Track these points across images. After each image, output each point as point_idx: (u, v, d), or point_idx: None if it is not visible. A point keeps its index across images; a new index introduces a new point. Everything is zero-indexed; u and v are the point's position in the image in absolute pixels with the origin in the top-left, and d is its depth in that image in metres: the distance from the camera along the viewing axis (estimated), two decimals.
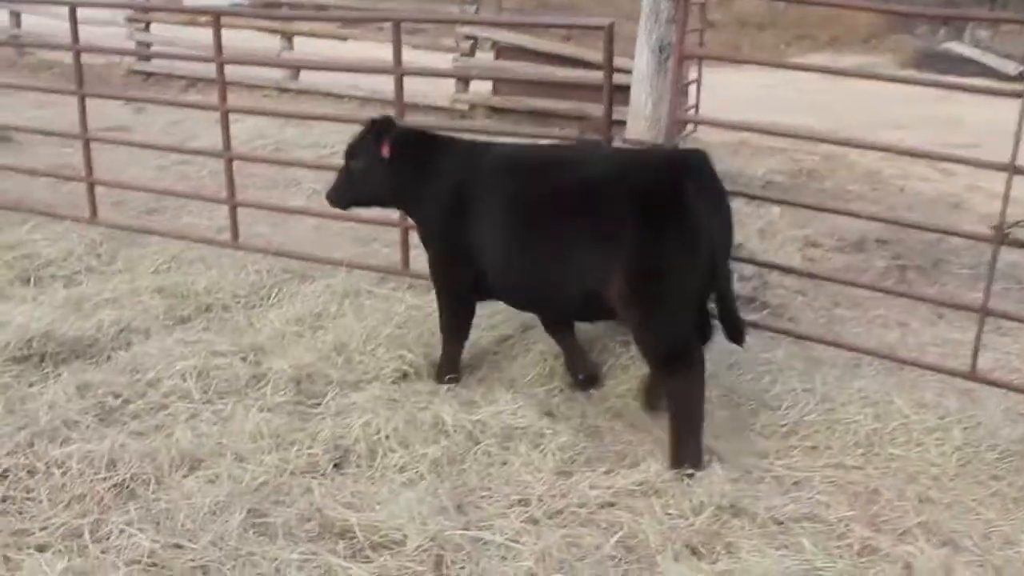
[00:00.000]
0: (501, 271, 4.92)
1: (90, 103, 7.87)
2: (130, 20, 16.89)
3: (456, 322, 5.33)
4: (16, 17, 18.75)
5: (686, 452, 4.51)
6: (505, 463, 4.51)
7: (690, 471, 4.44)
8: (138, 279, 6.65)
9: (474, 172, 5.02)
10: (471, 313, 5.34)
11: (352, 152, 5.39)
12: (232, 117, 7.32)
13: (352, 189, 5.44)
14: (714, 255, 4.51)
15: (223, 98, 7.15)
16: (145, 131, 12.13)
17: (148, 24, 17.15)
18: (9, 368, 5.23)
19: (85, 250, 7.20)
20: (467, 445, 4.60)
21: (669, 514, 4.16)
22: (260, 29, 16.36)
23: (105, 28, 16.92)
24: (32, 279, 6.78)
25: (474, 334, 5.87)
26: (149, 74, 16.57)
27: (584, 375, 5.36)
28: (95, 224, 7.66)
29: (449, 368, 5.35)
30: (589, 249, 4.56)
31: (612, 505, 4.22)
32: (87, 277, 6.82)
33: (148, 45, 16.96)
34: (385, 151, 5.24)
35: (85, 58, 18.10)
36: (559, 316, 5.33)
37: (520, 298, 5.11)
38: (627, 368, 5.48)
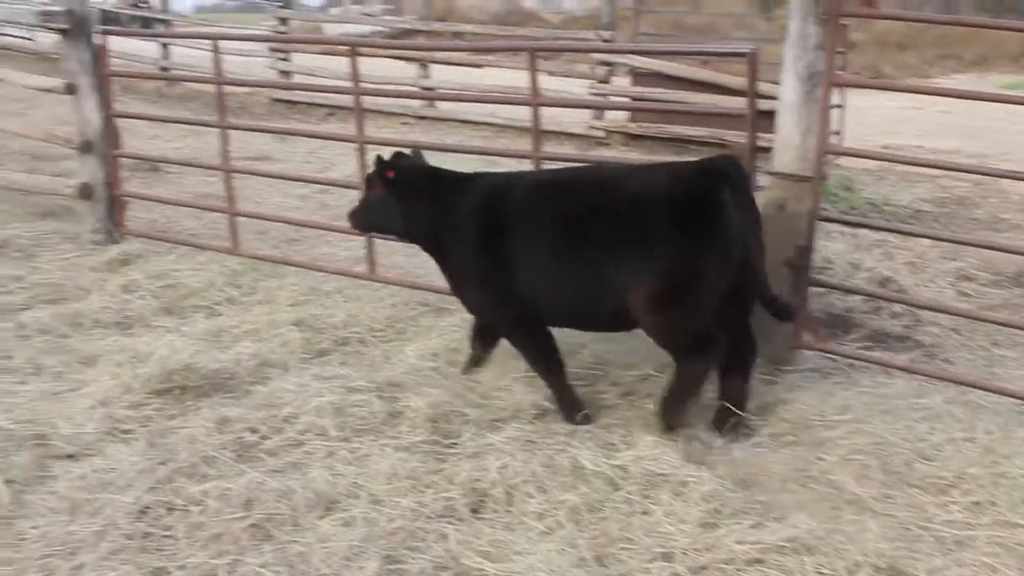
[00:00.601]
0: (539, 291, 5.01)
1: (235, 131, 8.01)
2: (272, 50, 17.29)
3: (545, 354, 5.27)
4: (165, 48, 19.40)
5: (672, 415, 4.92)
6: (646, 512, 4.32)
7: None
8: (277, 311, 6.69)
9: (503, 202, 5.10)
10: (550, 337, 5.25)
11: (368, 183, 5.60)
12: (370, 145, 7.33)
13: (366, 216, 5.64)
14: (747, 259, 4.76)
15: (360, 129, 7.16)
16: (287, 159, 12.34)
17: (289, 54, 17.54)
18: (151, 401, 5.28)
19: (226, 280, 7.29)
20: (607, 492, 4.43)
21: (822, 574, 3.91)
22: (398, 57, 16.57)
23: (249, 58, 17.41)
24: (175, 309, 6.89)
25: (612, 372, 5.71)
26: (291, 103, 16.92)
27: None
28: (236, 254, 7.75)
29: (570, 403, 5.20)
30: (628, 259, 4.72)
31: (760, 562, 3.99)
32: (227, 308, 6.89)
33: (289, 74, 17.34)
34: (379, 189, 5.45)
35: (227, 89, 18.70)
36: (593, 328, 5.37)
37: (560, 316, 5.16)
38: (773, 410, 5.24)
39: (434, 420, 5.09)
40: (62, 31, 8.13)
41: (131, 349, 6.02)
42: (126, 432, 5.03)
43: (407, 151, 5.63)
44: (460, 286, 5.36)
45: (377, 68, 14.46)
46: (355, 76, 7.03)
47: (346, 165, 11.93)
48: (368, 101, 15.82)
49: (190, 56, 19.75)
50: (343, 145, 12.18)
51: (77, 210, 8.96)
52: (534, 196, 5.07)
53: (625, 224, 4.75)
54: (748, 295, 4.94)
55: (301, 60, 17.72)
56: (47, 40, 22.04)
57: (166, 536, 4.18)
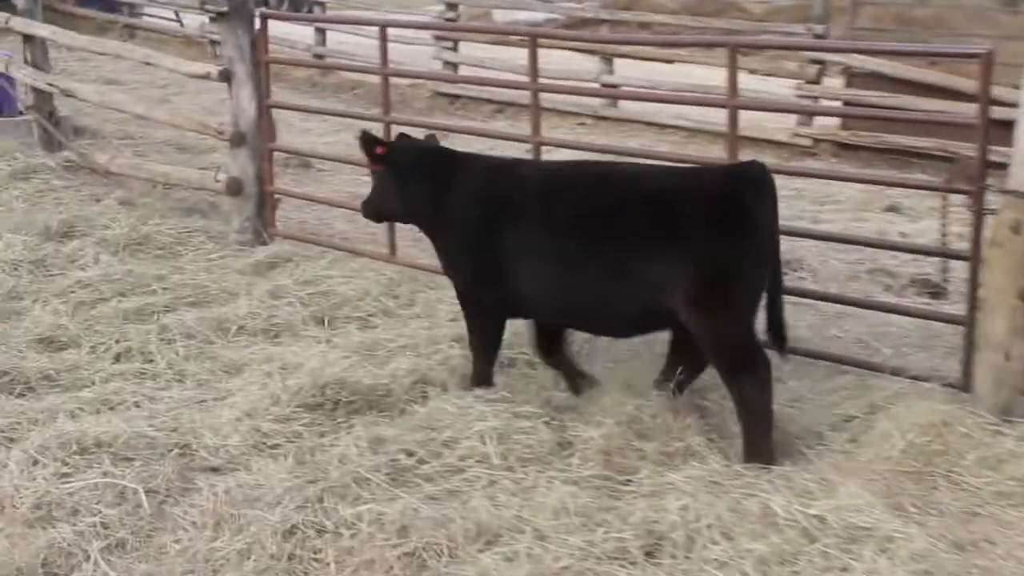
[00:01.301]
0: (543, 288, 5.60)
1: (373, 127, 8.37)
2: (438, 39, 17.79)
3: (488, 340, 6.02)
4: (322, 34, 20.16)
5: (756, 453, 5.25)
6: (845, 569, 4.36)
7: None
8: (436, 326, 6.95)
9: (512, 187, 5.73)
10: (502, 329, 6.03)
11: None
12: (546, 147, 7.57)
13: (375, 202, 6.32)
14: (775, 262, 5.43)
15: (536, 129, 7.40)
16: None
17: (456, 43, 18.01)
18: (301, 415, 5.59)
19: (382, 290, 7.61)
20: (800, 544, 4.49)
21: None
22: (577, 49, 16.84)
23: (410, 46, 17.95)
24: (326, 319, 7.24)
25: (811, 411, 5.76)
26: (455, 97, 17.38)
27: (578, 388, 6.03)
28: (393, 262, 8.08)
29: (484, 383, 5.94)
30: (654, 260, 5.28)
31: None
32: (383, 320, 7.20)
33: (455, 66, 17.81)
34: (372, 166, 6.15)
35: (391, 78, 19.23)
36: (606, 330, 5.91)
37: (562, 314, 5.77)
38: (999, 465, 5.20)
39: (607, 453, 5.24)
40: (219, 14, 8.65)
41: (279, 359, 6.37)
42: (273, 447, 5.35)
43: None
44: (448, 262, 6.10)
45: (552, 60, 14.73)
46: (533, 70, 7.27)
47: None
48: (543, 98, 16.16)
49: (344, 42, 20.54)
50: (513, 145, 12.50)
51: (223, 207, 9.50)
52: (550, 189, 5.65)
53: (659, 228, 5.31)
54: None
55: (467, 50, 18.17)
56: (195, 23, 23.29)
57: (314, 559, 4.45)
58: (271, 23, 8.79)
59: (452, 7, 18.15)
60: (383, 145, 6.19)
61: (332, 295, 7.59)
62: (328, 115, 12.28)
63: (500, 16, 30.10)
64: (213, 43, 21.50)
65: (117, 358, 6.61)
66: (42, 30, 10.89)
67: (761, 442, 5.28)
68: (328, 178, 11.74)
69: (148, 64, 9.84)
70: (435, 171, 6.00)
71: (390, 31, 8.19)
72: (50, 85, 10.84)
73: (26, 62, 11.17)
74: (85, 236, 8.82)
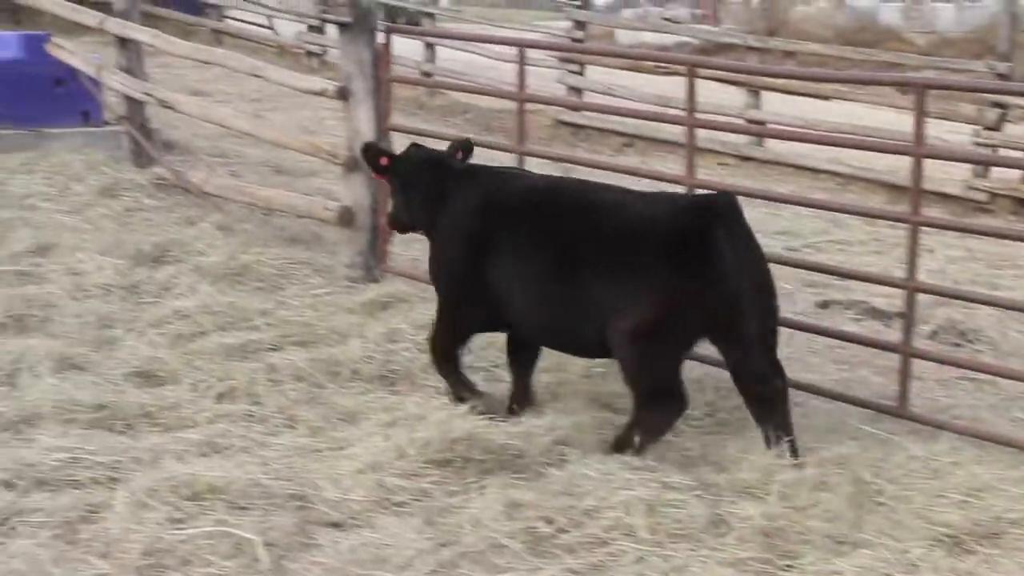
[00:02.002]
0: (516, 304, 6.45)
1: (506, 159, 8.63)
2: (563, 60, 18.12)
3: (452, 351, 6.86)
4: (431, 50, 20.63)
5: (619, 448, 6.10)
6: None
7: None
8: (567, 382, 7.15)
9: (496, 202, 6.60)
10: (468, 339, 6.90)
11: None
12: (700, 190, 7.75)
13: (394, 214, 7.25)
14: (743, 297, 5.95)
15: (691, 167, 7.59)
16: None
17: (583, 66, 18.34)
18: (429, 472, 5.81)
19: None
20: None
21: None
22: (718, 79, 17.03)
23: (530, 67, 18.28)
24: None
25: (996, 502, 5.83)
26: (578, 127, 17.68)
27: (519, 407, 6.74)
28: None
29: (459, 389, 6.79)
30: (613, 286, 6.06)
31: None
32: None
33: (579, 91, 18.13)
34: (375, 177, 7.24)
35: (496, 103, 19.68)
36: (578, 352, 6.74)
37: (535, 332, 6.61)
38: None
39: (767, 534, 5.37)
40: (340, 25, 8.99)
41: (399, 409, 6.61)
42: (399, 504, 5.57)
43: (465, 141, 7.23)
44: (435, 269, 6.93)
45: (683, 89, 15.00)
46: (691, 102, 7.47)
47: None
48: (674, 133, 16.49)
49: (452, 59, 21.01)
50: (666, 187, 12.74)
51: (329, 238, 9.82)
52: (528, 203, 6.52)
53: (616, 250, 6.11)
54: (744, 327, 6.04)
55: (597, 76, 18.49)
56: (288, 30, 23.96)
57: None
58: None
59: (580, 25, 18.47)
60: (388, 156, 7.09)
61: None
62: (433, 137, 12.53)
63: (623, 37, 30.49)
64: (310, 54, 22.14)
65: (220, 397, 6.88)
66: (140, 33, 11.33)
67: (621, 443, 6.14)
68: None
69: (256, 76, 10.19)
70: (432, 183, 6.89)
71: (500, 50, 8.46)
72: (146, 94, 11.27)
73: (119, 68, 11.65)
74: (179, 262, 9.18)
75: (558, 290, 6.28)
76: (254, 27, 25.52)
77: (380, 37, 9.01)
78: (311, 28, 23.06)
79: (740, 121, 15.85)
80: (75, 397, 6.60)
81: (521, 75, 8.31)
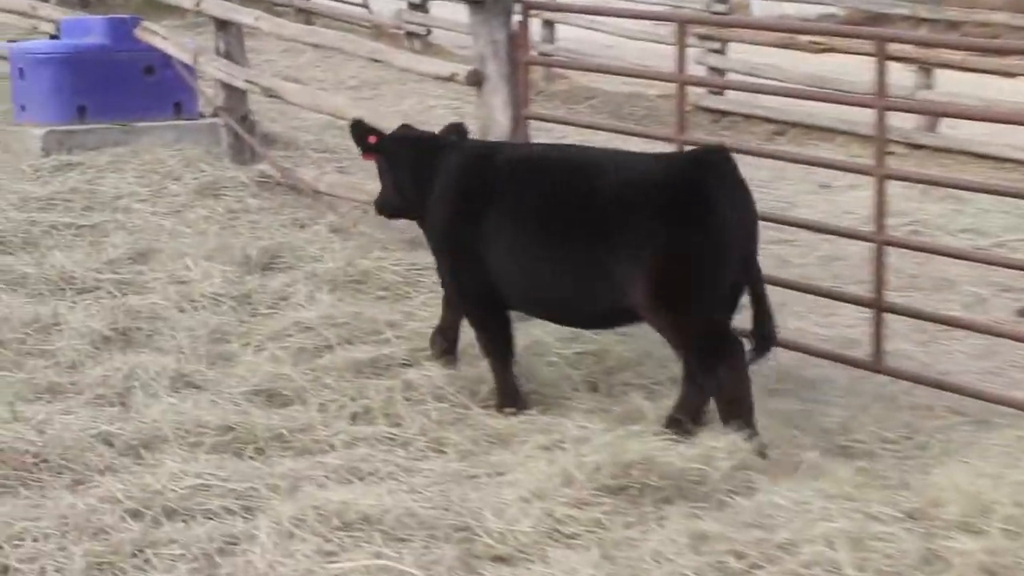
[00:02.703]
0: (515, 277, 7.09)
1: (637, 146, 8.70)
2: (702, 38, 18.13)
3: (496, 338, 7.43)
4: (550, 28, 20.74)
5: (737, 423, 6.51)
6: None
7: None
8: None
9: (486, 175, 7.23)
10: (508, 323, 7.44)
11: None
12: (845, 181, 7.78)
13: (382, 197, 7.88)
14: (743, 252, 6.66)
15: (880, 159, 7.61)
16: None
17: (725, 44, 18.35)
18: (601, 500, 5.88)
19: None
20: None
21: None
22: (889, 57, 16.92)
23: (654, 46, 18.36)
24: (602, 386, 7.54)
25: None
26: (721, 112, 17.70)
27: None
28: None
29: (510, 396, 7.25)
30: (611, 252, 6.65)
31: None
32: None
33: (721, 72, 18.15)
34: (364, 157, 7.76)
35: (624, 84, 19.70)
36: (578, 323, 7.47)
37: (536, 306, 7.34)
38: None
39: (991, 571, 5.37)
40: (472, 3, 9.09)
41: (557, 430, 6.71)
42: (571, 536, 5.64)
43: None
44: (436, 255, 7.59)
45: (833, 66, 14.94)
46: (881, 85, 7.47)
47: (807, 206, 12.43)
48: (825, 117, 16.41)
49: (581, 41, 21.10)
50: (802, 175, 12.76)
51: None
52: (521, 173, 7.18)
53: (612, 218, 6.65)
54: (735, 295, 6.79)
55: (742, 54, 18.54)
56: (386, 9, 24.22)
57: None
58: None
59: None
60: (377, 134, 7.69)
61: (606, 356, 7.89)
62: (601, 130, 12.69)
63: (758, 10, 30.37)
64: (410, 35, 22.37)
65: (355, 418, 7.04)
66: (243, 15, 11.54)
67: (745, 422, 6.54)
68: None
69: (376, 60, 10.34)
70: (422, 160, 7.53)
71: (627, 25, 8.52)
72: (248, 82, 11.47)
73: (218, 53, 11.87)
74: (292, 269, 9.38)
75: (560, 260, 6.91)
76: (346, 6, 25.78)
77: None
78: (412, 6, 23.27)
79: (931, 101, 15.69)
80: (198, 418, 6.79)
81: (680, 55, 8.37)
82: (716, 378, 6.61)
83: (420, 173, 7.51)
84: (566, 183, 7.00)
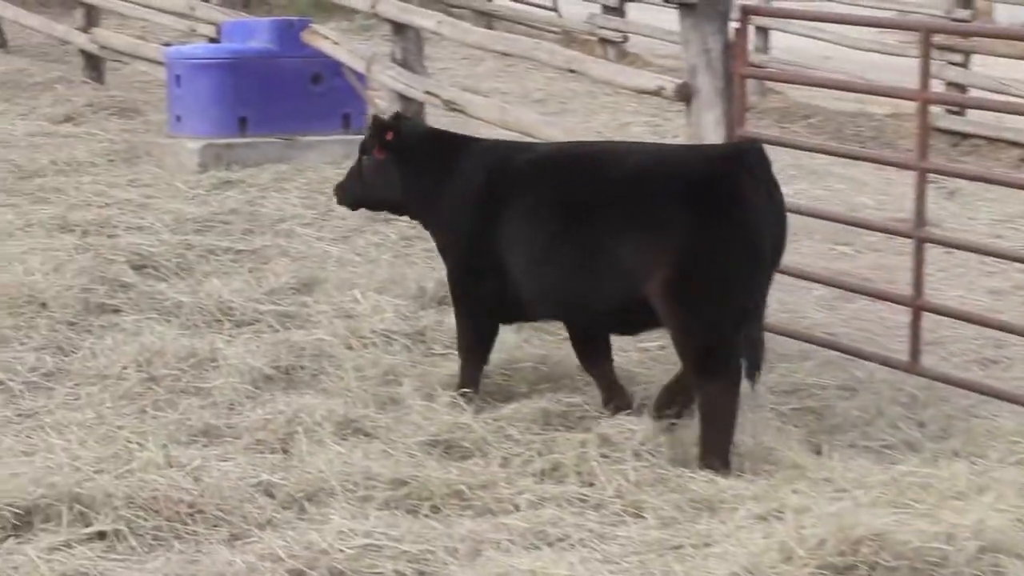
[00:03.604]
0: (537, 277, 7.59)
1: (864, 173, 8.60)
2: (940, 48, 17.85)
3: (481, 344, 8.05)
4: (764, 36, 20.63)
5: (712, 459, 7.09)
6: None
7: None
8: (987, 470, 7.03)
9: (505, 173, 7.79)
10: (495, 333, 8.05)
11: (363, 148, 8.25)
12: None
13: (358, 186, 8.41)
14: (773, 251, 7.22)
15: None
16: (966, 227, 12.81)
17: (967, 56, 18.09)
18: None
19: (900, 412, 7.80)
20: None
21: None
22: None
23: (878, 57, 18.18)
24: (825, 447, 7.41)
25: None
26: (961, 135, 17.43)
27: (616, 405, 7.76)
28: (916, 373, 8.23)
29: (472, 384, 7.93)
30: (634, 246, 7.17)
31: None
32: (904, 455, 7.33)
33: (962, 88, 17.88)
34: (377, 153, 8.09)
35: (844, 100, 19.51)
36: (596, 324, 7.83)
37: (554, 307, 7.80)
38: None
39: None
40: (683, 6, 9.07)
41: (773, 497, 6.63)
42: None
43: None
44: (444, 253, 8.20)
45: None
46: None
47: None
48: None
49: (796, 51, 20.98)
50: None
51: None
52: (542, 170, 7.78)
53: (640, 208, 7.22)
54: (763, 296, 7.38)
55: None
56: (577, 12, 24.31)
57: None
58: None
59: (966, 2, 18.21)
60: (394, 131, 8.13)
61: (827, 414, 7.82)
62: (815, 152, 12.60)
63: (1006, 16, 29.88)
64: (604, 41, 22.41)
65: (542, 476, 7.02)
66: (423, 19, 11.65)
67: (720, 448, 7.12)
68: (792, 244, 11.96)
69: (572, 71, 10.36)
70: (436, 160, 8.09)
71: (850, 33, 8.46)
72: (427, 94, 11.57)
73: (393, 60, 11.99)
74: None
75: (583, 258, 7.40)
76: (532, 8, 25.94)
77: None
78: (607, 9, 23.27)
79: None
80: (367, 469, 6.85)
81: (925, 68, 8.24)
82: (707, 394, 7.16)
83: (432, 172, 8.07)
84: (595, 172, 7.60)
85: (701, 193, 7.15)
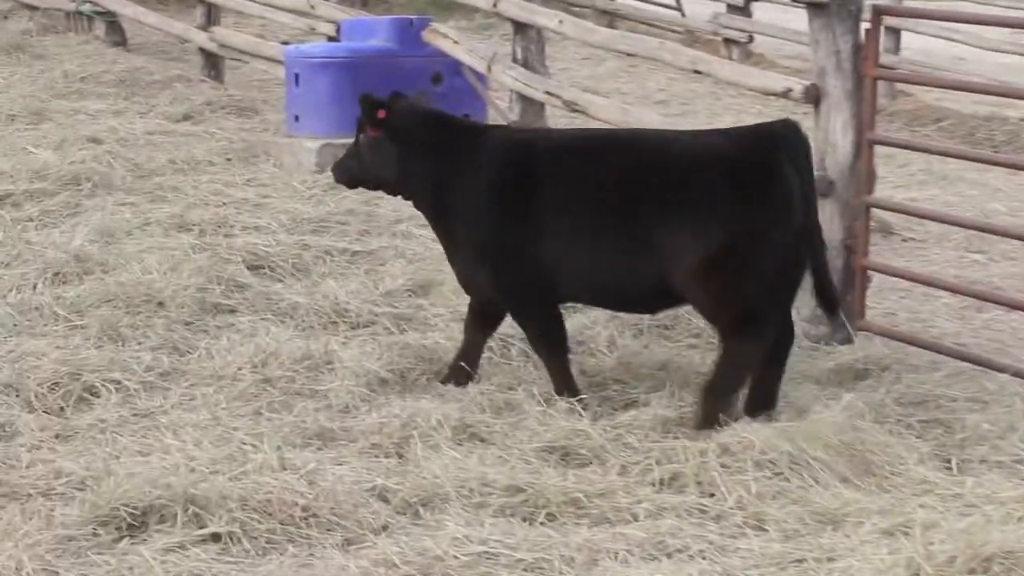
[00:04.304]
0: (571, 261, 7.78)
1: (997, 178, 8.48)
2: None
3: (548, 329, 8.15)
4: (894, 37, 20.44)
5: (715, 404, 7.50)
6: None
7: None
8: None
9: (532, 160, 7.95)
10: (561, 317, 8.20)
11: (360, 126, 8.33)
12: None
13: (355, 164, 8.47)
14: (807, 227, 7.52)
15: None
16: None
17: None
18: None
19: None
20: None
21: None
22: None
23: (1012, 59, 17.91)
24: (954, 461, 7.31)
25: None
26: None
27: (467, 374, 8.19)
28: None
29: (567, 388, 7.94)
30: (673, 228, 7.44)
31: None
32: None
33: None
34: (371, 131, 8.19)
35: (978, 104, 19.30)
36: (627, 305, 8.21)
37: (588, 290, 8.06)
38: None
39: None
40: (813, 6, 9.00)
41: (899, 511, 6.54)
42: None
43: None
44: (462, 250, 8.15)
45: None
46: None
47: None
48: None
49: (927, 52, 20.77)
50: None
51: None
52: (571, 155, 8.00)
53: (677, 189, 7.49)
54: (798, 273, 7.66)
55: None
56: (700, 12, 24.24)
57: None
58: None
59: None
60: (386, 108, 8.18)
61: (956, 426, 7.71)
62: (951, 157, 12.50)
63: None
64: (728, 42, 22.32)
65: (661, 485, 6.98)
66: (545, 18, 11.64)
67: (720, 390, 7.57)
68: (921, 251, 11.89)
69: (697, 72, 10.33)
70: (442, 142, 8.19)
71: (985, 34, 8.36)
72: (548, 94, 11.56)
73: (514, 60, 11.98)
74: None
75: (617, 241, 7.64)
76: (655, 7, 25.90)
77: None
78: (731, 8, 23.17)
79: None
80: (483, 475, 6.85)
81: None
82: (733, 348, 7.51)
83: (438, 156, 8.13)
84: (631, 156, 7.86)
85: (739, 175, 7.48)
